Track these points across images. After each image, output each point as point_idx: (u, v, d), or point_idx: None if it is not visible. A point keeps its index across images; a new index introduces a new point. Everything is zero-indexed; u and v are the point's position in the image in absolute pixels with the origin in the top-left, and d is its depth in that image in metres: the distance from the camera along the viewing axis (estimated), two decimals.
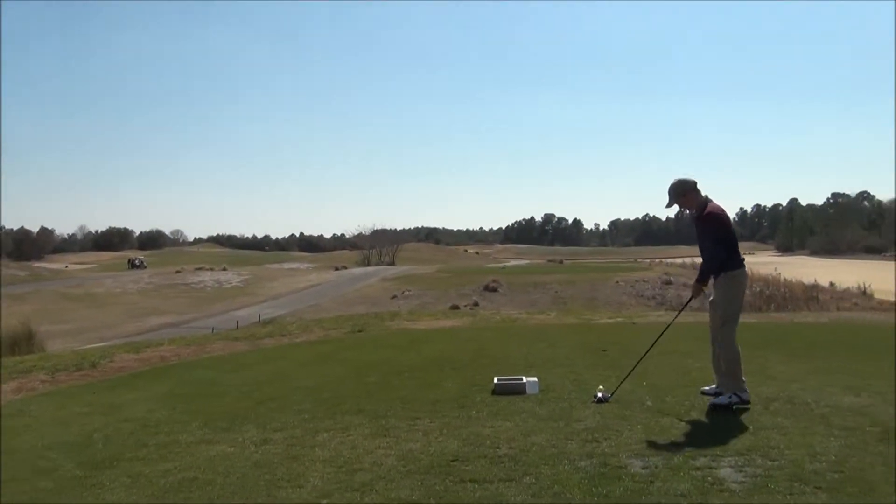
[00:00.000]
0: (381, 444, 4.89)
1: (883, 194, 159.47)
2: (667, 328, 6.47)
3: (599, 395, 5.91)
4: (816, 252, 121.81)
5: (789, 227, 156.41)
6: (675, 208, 6.01)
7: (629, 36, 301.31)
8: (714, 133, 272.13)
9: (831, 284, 40.16)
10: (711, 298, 5.90)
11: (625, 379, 6.20)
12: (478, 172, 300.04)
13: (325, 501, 3.86)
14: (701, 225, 5.81)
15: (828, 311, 23.64)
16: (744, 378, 5.65)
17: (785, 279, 39.35)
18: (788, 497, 3.65)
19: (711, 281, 5.86)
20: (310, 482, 4.17)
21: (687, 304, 6.49)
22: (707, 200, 5.82)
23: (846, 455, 4.27)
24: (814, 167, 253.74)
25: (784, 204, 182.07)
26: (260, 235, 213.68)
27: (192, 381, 7.88)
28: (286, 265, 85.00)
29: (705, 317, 7.02)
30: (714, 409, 5.49)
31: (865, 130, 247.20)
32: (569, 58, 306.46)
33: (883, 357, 7.66)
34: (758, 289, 32.52)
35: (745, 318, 7.84)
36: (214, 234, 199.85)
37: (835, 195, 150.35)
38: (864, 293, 36.27)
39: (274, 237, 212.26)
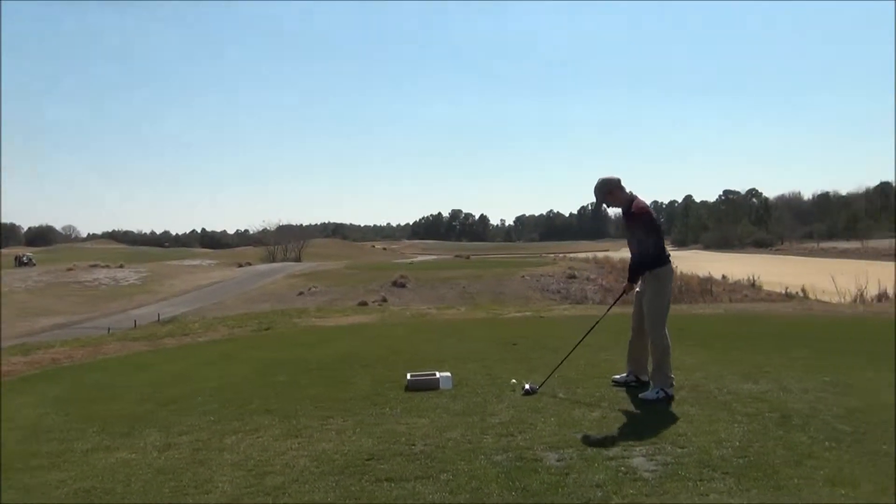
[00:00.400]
0: (292, 445, 4.75)
1: (769, 192, 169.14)
2: (596, 323, 6.53)
3: (528, 386, 5.94)
4: (710, 246, 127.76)
5: (685, 222, 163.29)
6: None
7: (533, 33, 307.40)
8: (614, 131, 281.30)
9: (724, 277, 42.35)
10: (638, 290, 6.01)
11: (553, 371, 6.25)
12: (385, 168, 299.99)
13: None
14: (628, 221, 5.89)
15: (721, 302, 24.86)
16: (672, 375, 5.72)
17: (681, 272, 41.03)
18: (698, 483, 3.76)
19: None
20: (218, 487, 3.99)
21: (618, 299, 6.58)
22: (632, 197, 5.87)
23: (749, 440, 4.44)
24: (706, 166, 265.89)
25: (679, 201, 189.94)
26: (159, 231, 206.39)
27: (87, 385, 7.45)
28: (187, 262, 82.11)
29: (618, 310, 7.19)
30: (644, 402, 5.52)
31: (755, 129, 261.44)
32: (475, 54, 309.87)
33: (774, 345, 8.05)
34: None
35: None
36: (110, 230, 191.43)
37: (726, 192, 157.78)
38: (753, 285, 38.45)
39: (174, 233, 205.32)
